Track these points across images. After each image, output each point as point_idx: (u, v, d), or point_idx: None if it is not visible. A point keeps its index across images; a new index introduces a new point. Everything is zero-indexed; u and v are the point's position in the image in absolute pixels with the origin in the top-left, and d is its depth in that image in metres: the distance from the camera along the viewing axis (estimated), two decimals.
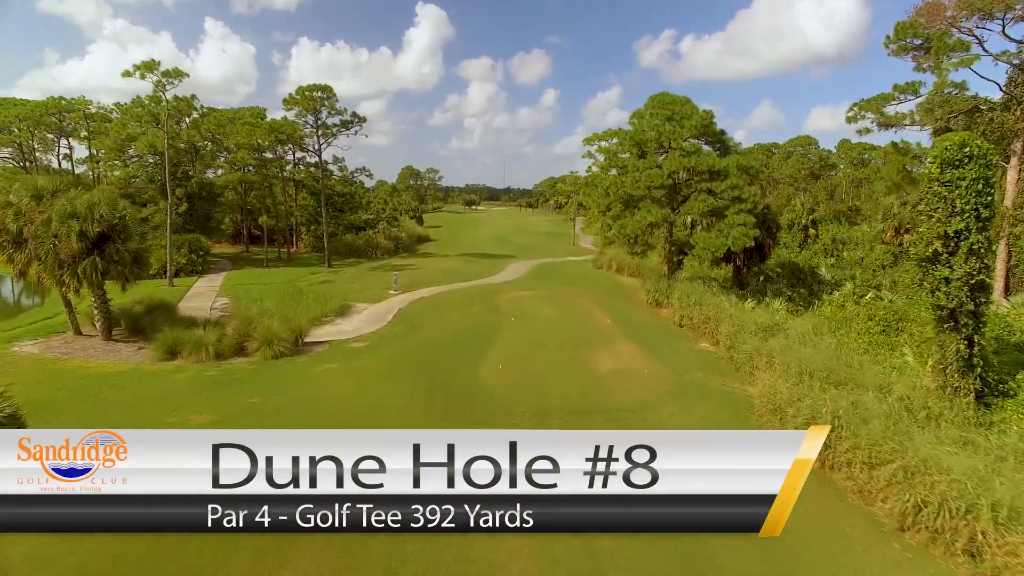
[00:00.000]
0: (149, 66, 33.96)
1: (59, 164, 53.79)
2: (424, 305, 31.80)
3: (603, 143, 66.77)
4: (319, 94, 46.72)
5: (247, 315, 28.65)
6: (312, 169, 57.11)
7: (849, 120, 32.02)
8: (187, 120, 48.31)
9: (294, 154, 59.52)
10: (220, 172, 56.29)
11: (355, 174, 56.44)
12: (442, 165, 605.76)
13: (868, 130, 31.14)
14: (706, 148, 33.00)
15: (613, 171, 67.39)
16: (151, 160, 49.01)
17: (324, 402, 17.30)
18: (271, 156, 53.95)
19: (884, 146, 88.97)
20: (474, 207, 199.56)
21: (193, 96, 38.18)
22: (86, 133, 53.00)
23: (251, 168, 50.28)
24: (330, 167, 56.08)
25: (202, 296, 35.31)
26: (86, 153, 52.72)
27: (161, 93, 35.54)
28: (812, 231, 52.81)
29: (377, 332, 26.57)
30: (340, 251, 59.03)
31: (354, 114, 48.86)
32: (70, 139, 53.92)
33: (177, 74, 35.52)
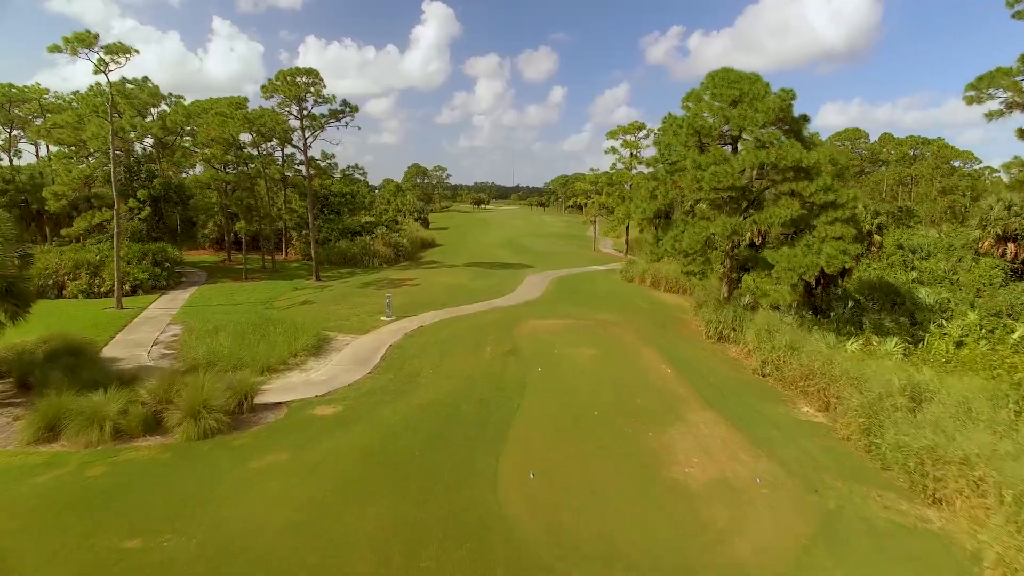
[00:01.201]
0: (84, 40, 27.29)
1: (10, 160, 47.62)
2: (422, 340, 24.91)
3: (628, 137, 59.64)
4: (303, 79, 39.98)
5: (191, 358, 22.17)
6: (299, 167, 50.48)
7: (970, 101, 24.77)
8: (154, 111, 41.66)
9: (282, 150, 53.05)
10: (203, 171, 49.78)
11: (349, 171, 49.53)
12: (450, 163, 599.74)
13: (1000, 113, 23.87)
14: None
15: (640, 168, 60.20)
16: (122, 155, 42.50)
17: (247, 549, 10.47)
18: (255, 152, 47.41)
19: (935, 139, 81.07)
20: (483, 206, 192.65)
21: (145, 79, 31.36)
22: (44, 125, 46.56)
23: (230, 167, 43.68)
24: (324, 164, 49.44)
25: (152, 324, 28.64)
26: (47, 149, 46.16)
27: (103, 74, 28.87)
28: (877, 238, 45.44)
29: (355, 386, 19.71)
30: (333, 259, 52.40)
31: (345, 103, 42.08)
32: (22, 131, 47.48)
33: (122, 50, 28.85)
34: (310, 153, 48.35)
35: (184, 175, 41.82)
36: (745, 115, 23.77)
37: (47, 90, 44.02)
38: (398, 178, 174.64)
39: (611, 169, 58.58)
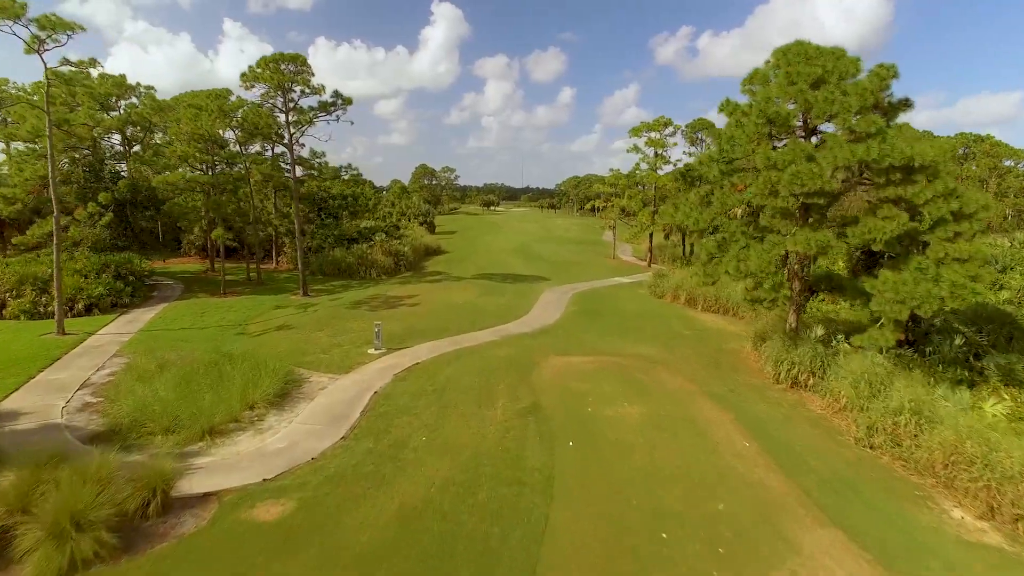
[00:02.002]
0: (8, 8, 22.29)
1: None
2: (416, 386, 19.62)
3: (653, 134, 54.06)
4: (288, 67, 34.91)
5: (114, 415, 17.09)
6: (289, 166, 45.51)
7: None
8: (123, 104, 36.76)
9: (272, 149, 48.10)
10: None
11: (342, 171, 44.59)
12: (459, 164, 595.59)
13: None
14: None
15: (667, 168, 54.57)
16: (82, 154, 37.72)
17: None
18: (241, 151, 42.45)
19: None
20: (492, 208, 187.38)
21: (93, 61, 26.32)
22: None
23: (209, 166, 38.72)
24: (315, 163, 44.41)
25: (92, 356, 23.61)
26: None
27: (36, 53, 23.88)
28: None
29: (320, 462, 14.49)
30: (327, 270, 47.38)
31: (337, 94, 36.95)
32: None
33: (60, 25, 23.87)
34: (299, 151, 43.42)
35: (161, 176, 36.77)
36: (833, 99, 18.23)
37: (7, 80, 39.33)
38: (408, 179, 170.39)
39: (635, 169, 53.05)
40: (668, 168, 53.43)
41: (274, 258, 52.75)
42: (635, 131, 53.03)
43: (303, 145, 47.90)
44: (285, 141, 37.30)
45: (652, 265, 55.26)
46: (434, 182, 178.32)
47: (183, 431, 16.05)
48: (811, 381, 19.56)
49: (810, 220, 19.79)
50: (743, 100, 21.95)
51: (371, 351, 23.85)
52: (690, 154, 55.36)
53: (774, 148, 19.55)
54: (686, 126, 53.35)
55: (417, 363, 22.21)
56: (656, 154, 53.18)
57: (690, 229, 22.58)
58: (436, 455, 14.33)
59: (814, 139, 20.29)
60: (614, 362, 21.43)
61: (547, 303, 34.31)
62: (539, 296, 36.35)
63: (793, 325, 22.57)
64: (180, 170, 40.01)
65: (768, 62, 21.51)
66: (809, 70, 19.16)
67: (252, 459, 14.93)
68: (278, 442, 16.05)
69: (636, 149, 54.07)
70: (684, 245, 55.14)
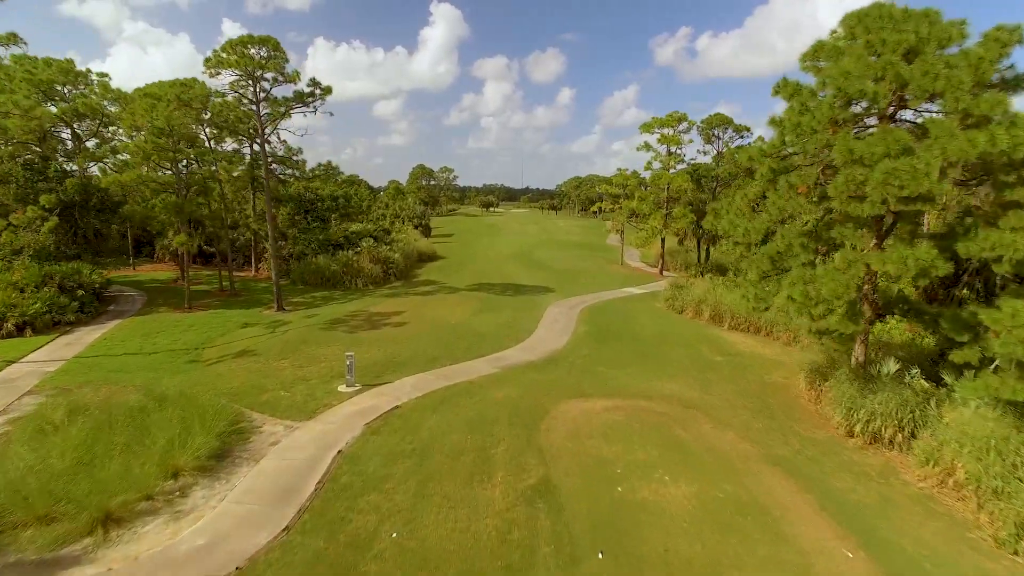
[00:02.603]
0: None
1: None
2: (391, 444, 15.28)
3: (666, 130, 49.71)
4: (259, 51, 30.60)
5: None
6: (272, 164, 41.27)
7: None
8: (69, 91, 32.42)
9: (251, 146, 43.80)
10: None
11: (320, 170, 40.40)
12: (459, 164, 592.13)
13: None
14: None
15: (680, 166, 50.19)
16: (27, 149, 33.35)
17: None
18: (208, 147, 38.13)
19: None
20: (491, 209, 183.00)
21: (12, 36, 21.93)
22: None
23: (174, 165, 34.36)
24: (289, 160, 40.24)
25: (4, 392, 19.28)
26: None
27: None
28: None
29: None
30: (308, 279, 43.05)
31: (314, 82, 32.62)
32: None
33: None
34: (277, 147, 39.24)
35: (112, 175, 32.33)
36: (935, 73, 13.88)
37: None
38: (407, 180, 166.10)
39: (646, 168, 48.72)
40: (679, 167, 49.20)
41: (254, 265, 48.39)
42: (646, 127, 48.74)
43: (284, 142, 43.77)
44: (257, 136, 32.97)
45: (664, 273, 50.97)
46: (432, 183, 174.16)
47: (66, 520, 11.74)
48: (898, 438, 15.22)
49: (896, 231, 15.49)
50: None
51: (342, 388, 19.50)
52: (704, 152, 51.10)
53: (857, 135, 15.20)
54: (701, 122, 49.23)
55: (396, 406, 17.85)
56: (669, 152, 48.88)
57: (737, 240, 18.21)
58: (408, 569, 9.98)
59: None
60: (642, 409, 17.07)
61: (553, 321, 29.97)
62: (544, 312, 32.00)
63: (860, 359, 18.23)
64: (143, 169, 35.66)
65: (835, 32, 17.22)
66: (899, 37, 14.84)
67: (151, 570, 10.59)
68: (196, 536, 11.71)
69: (647, 147, 49.79)
70: (699, 251, 50.79)
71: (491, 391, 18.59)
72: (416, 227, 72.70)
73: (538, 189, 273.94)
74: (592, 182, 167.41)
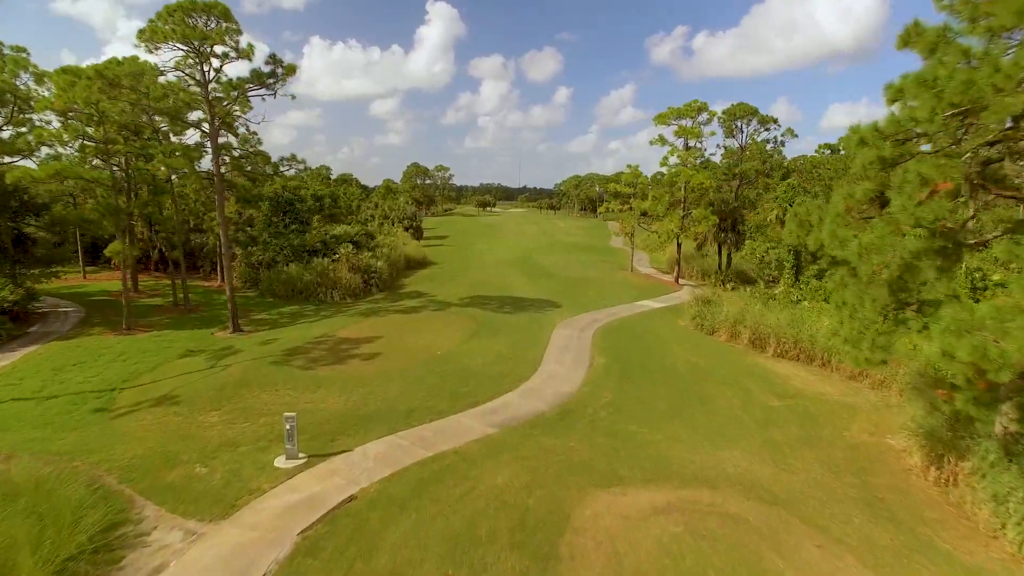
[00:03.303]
0: None
1: None
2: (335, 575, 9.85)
3: (685, 122, 44.34)
4: (202, 20, 25.16)
5: None
6: (242, 158, 35.81)
7: None
8: None
9: (214, 139, 38.35)
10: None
11: (285, 166, 34.97)
12: (457, 164, 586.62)
13: None
14: None
15: (699, 161, 44.82)
16: None
17: None
18: (158, 138, 32.72)
19: None
20: (489, 209, 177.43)
21: None
22: None
23: (110, 159, 28.91)
24: (239, 153, 34.91)
25: None
26: None
27: None
28: None
29: None
30: (278, 290, 37.66)
31: (274, 58, 27.22)
32: None
33: None
34: (217, 135, 33.85)
35: (20, 169, 26.75)
36: None
37: None
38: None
39: (661, 164, 43.38)
40: (687, 161, 43.87)
41: (220, 275, 42.86)
42: (661, 118, 43.39)
43: (249, 132, 38.45)
44: (207, 124, 27.50)
45: (680, 281, 45.68)
46: (427, 181, 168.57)
47: None
48: None
49: None
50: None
51: (280, 462, 14.09)
52: (723, 147, 45.83)
53: None
54: (723, 113, 43.93)
55: (350, 498, 12.46)
56: (687, 146, 43.56)
57: (845, 260, 12.76)
58: None
59: None
60: (707, 509, 11.71)
61: (563, 348, 24.57)
62: (550, 335, 26.62)
63: (1011, 428, 12.87)
64: (79, 165, 30.24)
65: None
66: None
67: None
68: None
69: (662, 140, 44.45)
70: (720, 256, 45.46)
71: (486, 472, 13.18)
72: (407, 229, 67.24)
73: (536, 188, 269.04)
74: (592, 181, 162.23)
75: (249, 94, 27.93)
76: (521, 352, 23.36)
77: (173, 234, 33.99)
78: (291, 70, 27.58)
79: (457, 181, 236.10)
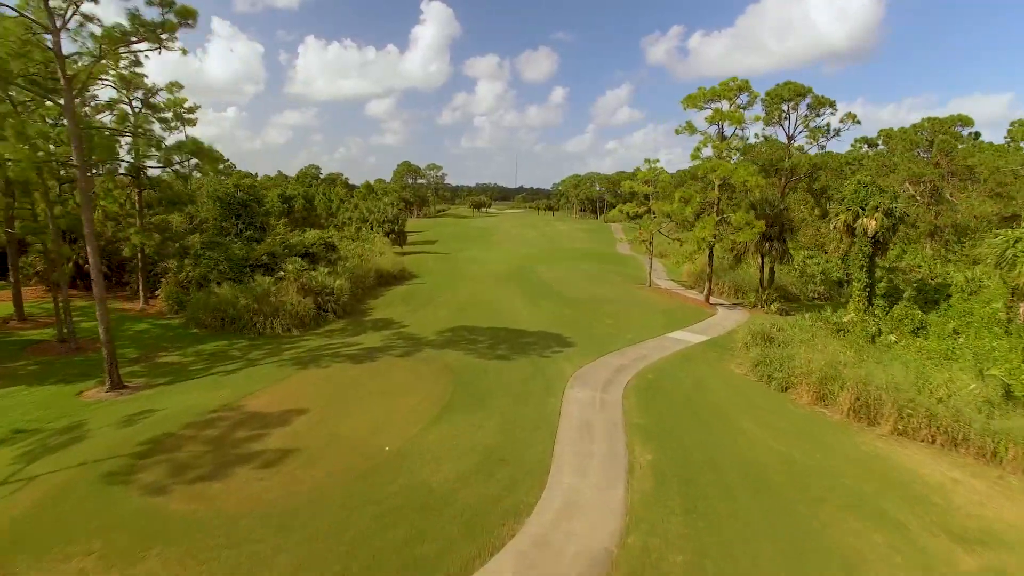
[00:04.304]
0: None
1: None
2: None
3: (721, 104, 35.57)
4: None
5: None
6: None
7: None
8: None
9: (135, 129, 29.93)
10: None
11: (181, 162, 26.84)
12: (454, 164, 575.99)
13: None
14: None
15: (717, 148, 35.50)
16: None
17: None
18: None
19: None
20: (484, 210, 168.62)
21: None
22: None
23: None
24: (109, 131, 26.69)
25: None
26: None
27: None
28: None
29: None
30: (205, 319, 29.15)
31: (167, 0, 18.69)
32: None
33: None
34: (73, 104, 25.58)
35: None
36: None
37: None
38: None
39: (693, 157, 34.97)
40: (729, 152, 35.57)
41: (141, 295, 34.25)
42: (691, 101, 35.07)
43: (145, 109, 30.46)
44: (59, 87, 18.93)
45: (712, 301, 37.36)
46: (419, 181, 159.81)
47: None
48: None
49: None
50: None
51: None
52: (764, 136, 37.49)
53: None
54: (766, 94, 35.70)
55: None
56: (721, 134, 35.23)
57: None
58: None
59: None
60: None
61: (582, 430, 16.10)
62: (561, 402, 18.17)
63: None
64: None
65: None
66: None
67: None
68: None
69: (690, 128, 36.19)
70: (763, 271, 37.08)
71: None
72: (388, 234, 58.72)
73: (532, 188, 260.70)
74: (592, 180, 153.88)
75: (126, 50, 19.46)
76: (517, 446, 14.88)
77: (51, 242, 25.40)
78: (187, 12, 19.05)
79: (453, 181, 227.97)
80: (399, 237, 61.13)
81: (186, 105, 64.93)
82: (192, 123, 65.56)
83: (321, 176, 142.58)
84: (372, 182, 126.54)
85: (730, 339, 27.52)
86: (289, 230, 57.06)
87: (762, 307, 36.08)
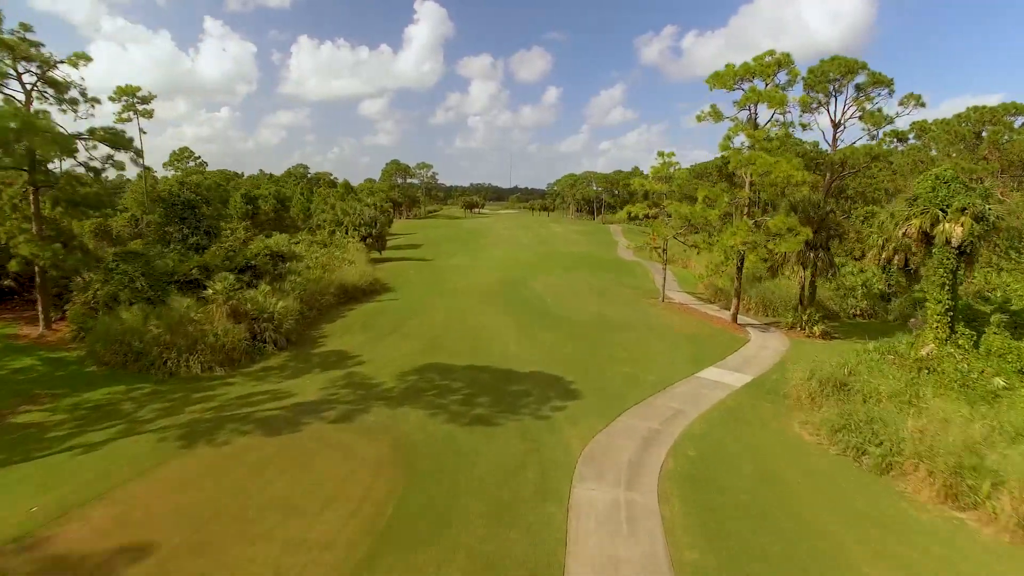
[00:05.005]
0: None
1: None
2: None
3: (755, 83, 28.17)
4: None
5: None
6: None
7: None
8: None
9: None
10: None
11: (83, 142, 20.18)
12: (448, 164, 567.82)
13: None
14: None
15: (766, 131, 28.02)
16: None
17: None
18: None
19: None
20: (476, 210, 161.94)
21: None
22: None
23: None
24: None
25: None
26: None
27: None
28: None
29: None
30: (105, 355, 22.61)
31: None
32: None
33: None
34: None
35: None
36: None
37: None
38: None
39: (724, 147, 28.58)
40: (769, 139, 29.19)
41: (41, 318, 27.60)
42: (718, 79, 28.81)
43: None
44: None
45: (740, 321, 31.13)
46: (409, 180, 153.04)
47: None
48: None
49: None
50: None
51: None
52: (803, 125, 31.33)
53: None
54: (808, 72, 29.48)
55: None
56: (753, 121, 29.00)
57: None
58: None
59: None
60: None
61: None
62: (564, 518, 11.76)
63: None
64: None
65: None
66: None
67: None
68: None
69: (715, 114, 29.99)
70: (805, 287, 30.74)
71: None
72: (363, 239, 52.21)
73: (527, 189, 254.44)
74: (589, 180, 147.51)
75: None
76: None
77: None
78: None
79: (447, 181, 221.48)
80: (377, 242, 54.63)
81: (139, 95, 58.12)
82: (147, 115, 58.86)
83: (309, 176, 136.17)
84: (350, 181, 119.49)
85: (780, 378, 21.29)
86: (251, 235, 50.55)
87: (802, 329, 29.89)
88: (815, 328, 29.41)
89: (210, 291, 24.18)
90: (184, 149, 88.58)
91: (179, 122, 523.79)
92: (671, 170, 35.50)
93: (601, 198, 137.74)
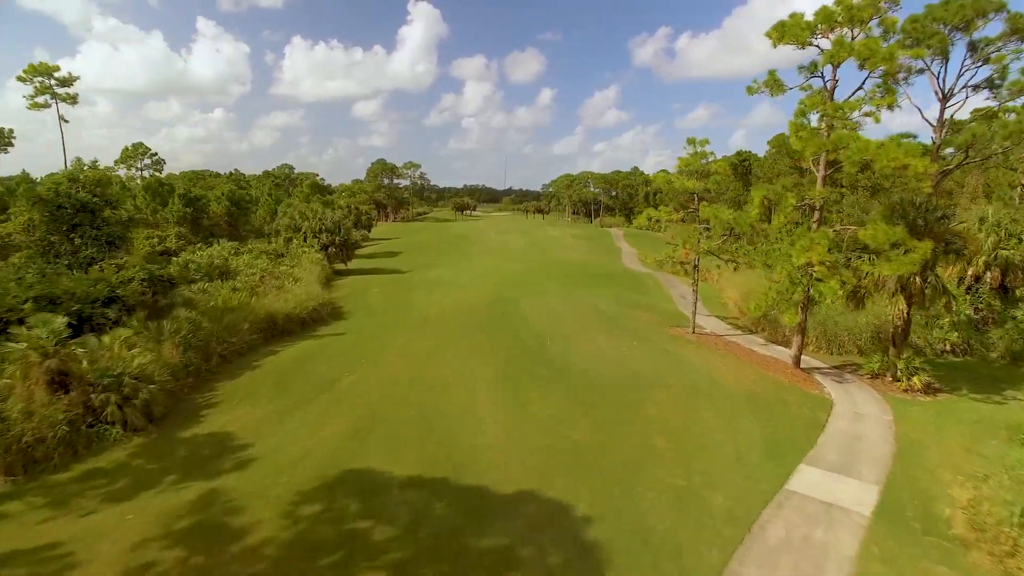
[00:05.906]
0: None
1: None
2: None
3: (843, 32, 20.32)
4: None
5: None
6: None
7: None
8: None
9: None
10: None
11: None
12: (442, 165, 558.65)
13: None
14: None
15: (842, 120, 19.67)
16: None
17: None
18: None
19: None
20: (467, 213, 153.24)
21: None
22: None
23: None
24: None
25: None
26: None
27: None
28: None
29: None
30: None
31: None
32: None
33: None
34: None
35: None
36: None
37: None
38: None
39: (796, 128, 20.01)
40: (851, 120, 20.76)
41: None
42: (783, 30, 20.47)
43: None
44: None
45: (803, 365, 22.73)
46: (396, 181, 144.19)
47: None
48: None
49: None
50: None
51: None
52: (889, 105, 23.10)
53: None
54: (907, 20, 21.20)
55: None
56: (831, 90, 20.61)
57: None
58: None
59: None
60: None
61: None
62: None
63: None
64: None
65: None
66: None
67: None
68: None
69: (775, 85, 21.69)
70: (903, 321, 22.31)
71: None
72: (324, 248, 43.62)
73: (522, 190, 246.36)
74: (586, 180, 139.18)
75: None
76: None
77: None
78: None
79: (441, 183, 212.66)
80: (342, 251, 46.04)
81: (57, 75, 48.88)
82: (70, 100, 49.66)
83: (292, 176, 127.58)
84: (345, 182, 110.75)
85: (914, 490, 12.95)
86: (184, 244, 41.82)
87: (894, 379, 21.61)
88: (915, 379, 21.11)
89: (20, 344, 15.50)
90: (139, 145, 79.63)
91: (173, 123, 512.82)
92: (703, 162, 27.11)
93: (599, 199, 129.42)
